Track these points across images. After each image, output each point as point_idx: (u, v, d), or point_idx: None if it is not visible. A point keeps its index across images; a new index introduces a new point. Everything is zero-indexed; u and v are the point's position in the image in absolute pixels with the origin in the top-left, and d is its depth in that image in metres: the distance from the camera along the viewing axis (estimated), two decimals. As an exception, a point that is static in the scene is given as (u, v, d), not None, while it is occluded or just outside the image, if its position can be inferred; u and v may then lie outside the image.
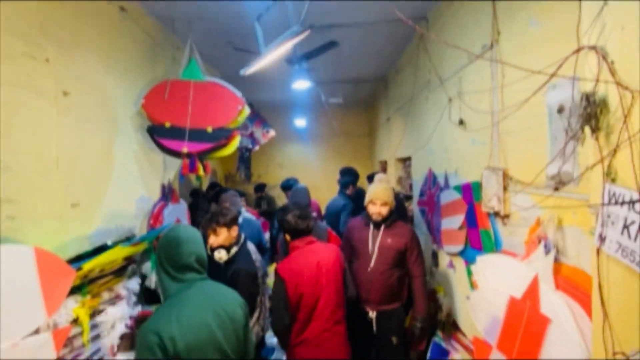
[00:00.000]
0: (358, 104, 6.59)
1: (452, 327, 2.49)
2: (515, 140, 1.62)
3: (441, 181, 2.62)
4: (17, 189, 1.50)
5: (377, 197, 2.18)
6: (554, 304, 1.19)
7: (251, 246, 2.03)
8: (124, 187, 2.34)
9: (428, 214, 2.96)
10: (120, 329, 1.39)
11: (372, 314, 2.15)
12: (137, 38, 2.57)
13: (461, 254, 2.24)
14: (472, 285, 1.89)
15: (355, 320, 2.13)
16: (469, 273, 2.06)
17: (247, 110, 2.39)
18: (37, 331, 1.10)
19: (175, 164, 3.01)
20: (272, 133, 4.80)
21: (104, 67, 2.18)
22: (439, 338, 2.41)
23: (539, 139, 1.43)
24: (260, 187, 5.50)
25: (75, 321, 1.27)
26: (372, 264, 2.13)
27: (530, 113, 1.49)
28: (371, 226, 2.21)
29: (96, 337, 1.27)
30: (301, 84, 3.16)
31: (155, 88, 2.35)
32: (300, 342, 1.75)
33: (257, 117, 4.80)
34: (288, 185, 3.53)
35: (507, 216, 1.69)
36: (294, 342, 1.76)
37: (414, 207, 3.54)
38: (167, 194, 2.88)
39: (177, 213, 2.86)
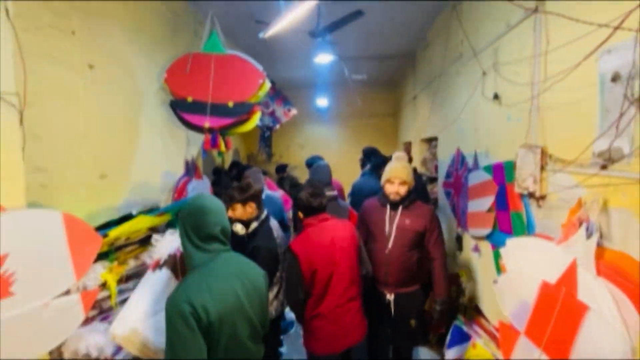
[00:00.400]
0: (382, 82, 6.34)
1: (474, 312, 2.43)
2: (558, 114, 1.48)
3: (470, 162, 2.49)
4: (48, 158, 1.55)
5: (396, 176, 2.07)
6: (594, 290, 1.09)
7: (274, 223, 2.02)
8: (149, 161, 2.39)
9: (454, 196, 2.85)
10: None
11: (390, 297, 2.09)
12: (160, 12, 2.54)
13: (488, 237, 2.14)
14: (500, 269, 1.80)
15: (372, 302, 2.10)
16: (497, 257, 1.97)
17: (268, 84, 2.33)
18: (67, 293, 1.15)
19: (198, 140, 3.04)
20: (293, 111, 4.73)
21: (128, 41, 2.18)
22: (460, 322, 2.36)
23: (586, 112, 1.29)
24: (282, 168, 5.49)
25: (104, 285, 1.32)
26: (389, 245, 2.05)
27: (577, 83, 1.34)
28: (388, 207, 2.11)
29: (124, 301, 1.32)
30: (324, 58, 3.04)
31: (178, 62, 2.34)
32: (315, 316, 1.76)
33: (279, 95, 4.74)
34: (312, 163, 3.48)
35: (542, 197, 1.57)
36: (309, 315, 1.78)
37: (438, 189, 3.41)
38: (191, 169, 2.93)
39: (201, 189, 2.91)
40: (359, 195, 3.12)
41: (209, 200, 1.23)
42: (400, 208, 2.09)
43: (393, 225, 2.07)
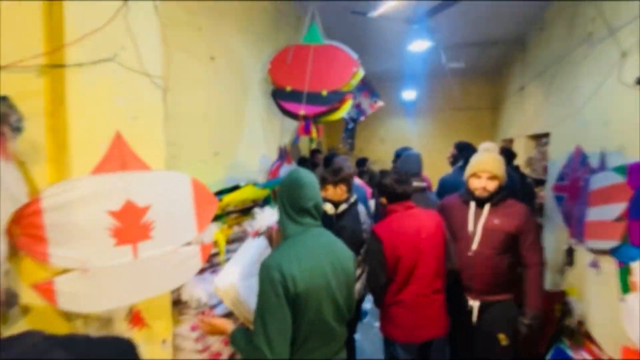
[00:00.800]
0: (482, 72, 5.75)
1: (583, 337, 2.06)
2: None
3: (594, 162, 2.10)
4: (177, 134, 1.86)
5: (483, 169, 1.84)
6: None
7: (361, 208, 2.05)
8: (251, 145, 2.66)
9: (567, 202, 2.45)
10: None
11: (474, 303, 1.88)
12: (266, 10, 2.79)
13: (614, 251, 1.78)
14: (629, 288, 1.50)
15: (453, 302, 1.91)
16: (624, 274, 1.63)
17: (361, 73, 2.36)
18: (189, 244, 1.38)
19: (290, 129, 3.26)
20: (380, 103, 4.65)
21: (240, 36, 2.45)
22: (564, 345, 2.04)
23: None
24: (362, 162, 5.51)
25: (215, 243, 1.54)
26: (473, 247, 1.84)
27: None
28: (472, 204, 1.89)
29: (229, 259, 1.52)
30: (420, 45, 2.91)
31: (280, 53, 2.53)
32: (396, 302, 1.73)
33: (366, 86, 4.71)
34: (402, 153, 3.38)
35: None
36: (390, 301, 1.75)
37: (546, 193, 2.97)
38: (283, 155, 3.16)
39: (290, 173, 3.11)
40: (449, 191, 2.92)
41: (304, 175, 1.26)
42: (487, 206, 1.86)
43: (478, 225, 1.86)
